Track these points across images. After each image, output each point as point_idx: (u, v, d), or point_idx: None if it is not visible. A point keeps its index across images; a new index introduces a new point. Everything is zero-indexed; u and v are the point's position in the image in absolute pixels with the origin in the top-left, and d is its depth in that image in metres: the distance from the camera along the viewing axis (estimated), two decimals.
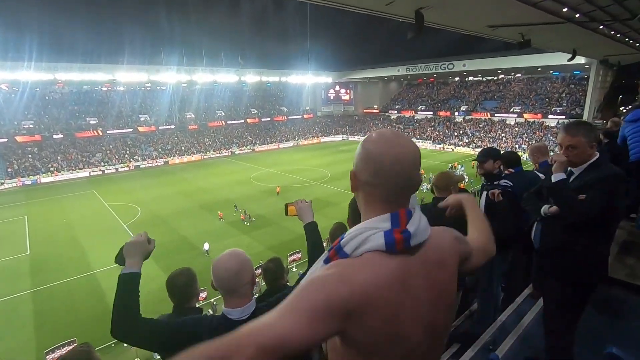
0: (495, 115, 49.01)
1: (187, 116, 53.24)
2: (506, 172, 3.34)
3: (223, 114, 56.45)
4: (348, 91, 65.65)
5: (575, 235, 2.15)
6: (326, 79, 62.71)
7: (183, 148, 47.73)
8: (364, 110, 65.14)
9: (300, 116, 63.59)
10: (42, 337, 12.48)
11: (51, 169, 37.99)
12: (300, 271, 14.56)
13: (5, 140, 38.80)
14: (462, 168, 32.25)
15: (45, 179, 36.49)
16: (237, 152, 50.20)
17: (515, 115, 46.73)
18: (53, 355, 11.05)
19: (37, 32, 54.88)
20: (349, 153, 45.94)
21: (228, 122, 55.34)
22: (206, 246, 18.12)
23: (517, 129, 45.31)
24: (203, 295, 12.59)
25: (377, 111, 63.97)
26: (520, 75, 51.06)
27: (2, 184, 34.32)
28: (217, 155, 48.52)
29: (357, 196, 0.93)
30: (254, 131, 56.16)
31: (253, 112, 59.47)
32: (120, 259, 1.49)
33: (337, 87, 65.16)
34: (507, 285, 3.73)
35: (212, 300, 13.26)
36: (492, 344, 2.82)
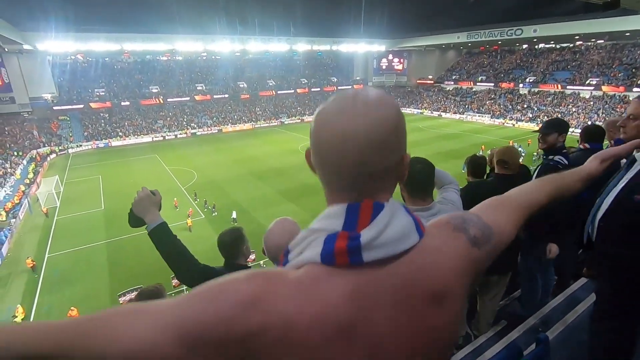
0: (568, 87, 44.09)
1: (240, 85, 54.59)
2: (581, 146, 3.03)
3: (273, 83, 57.05)
4: (402, 60, 62.59)
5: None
6: (379, 47, 60.14)
7: (235, 117, 49.40)
8: (418, 81, 62.00)
9: (350, 86, 62.19)
10: (115, 283, 14.21)
11: (120, 133, 41.56)
12: None
13: (81, 106, 42.93)
14: (520, 147, 29.62)
15: (115, 142, 40.09)
16: (286, 122, 50.91)
17: (592, 87, 41.68)
18: (124, 298, 12.62)
19: (105, 3, 58.37)
20: None
21: (278, 92, 55.94)
22: (234, 214, 19.03)
23: (592, 103, 40.57)
24: (252, 257, 13.41)
25: (432, 82, 60.57)
26: (602, 41, 44.99)
27: (80, 146, 38.37)
28: (267, 124, 49.61)
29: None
30: (303, 101, 56.29)
31: (303, 82, 59.34)
32: (134, 221, 1.48)
33: (390, 56, 62.34)
34: (559, 271, 3.53)
35: (261, 262, 14.09)
36: (542, 325, 2.74)
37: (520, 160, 3.10)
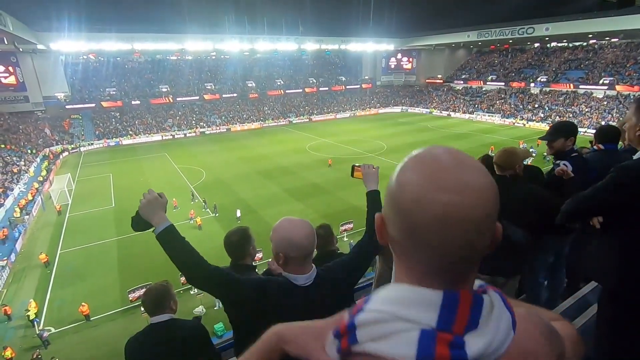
0: (580, 87, 43.30)
1: (248, 85, 54.82)
2: (595, 147, 2.94)
3: (282, 82, 57.15)
4: (410, 60, 62.14)
5: None
6: (387, 46, 59.76)
7: (244, 116, 49.63)
8: (427, 80, 61.50)
9: (358, 86, 62.07)
10: (125, 279, 14.44)
11: (130, 132, 42.08)
12: (352, 241, 14.83)
13: (93, 105, 43.61)
14: (531, 148, 29.24)
15: (125, 141, 40.61)
16: (294, 121, 50.96)
17: (606, 87, 40.85)
18: (133, 294, 12.80)
19: (117, 3, 59.15)
20: (408, 125, 44.31)
21: (286, 92, 56.02)
22: (238, 213, 19.13)
23: (605, 102, 39.77)
24: (259, 255, 13.47)
25: (441, 81, 60.02)
26: (616, 40, 44.04)
27: (92, 144, 38.98)
28: (276, 123, 49.74)
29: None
30: (312, 101, 56.29)
31: (311, 82, 59.32)
32: (139, 224, 1.45)
33: (399, 56, 61.93)
34: (570, 274, 3.47)
35: (269, 259, 14.15)
36: None
37: (530, 162, 3.04)
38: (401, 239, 0.51)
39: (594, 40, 46.35)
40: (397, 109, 58.14)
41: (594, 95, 41.71)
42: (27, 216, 20.41)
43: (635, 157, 1.66)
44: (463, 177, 0.47)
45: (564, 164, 2.63)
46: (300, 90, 57.27)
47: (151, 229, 1.44)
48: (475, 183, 0.47)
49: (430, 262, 0.50)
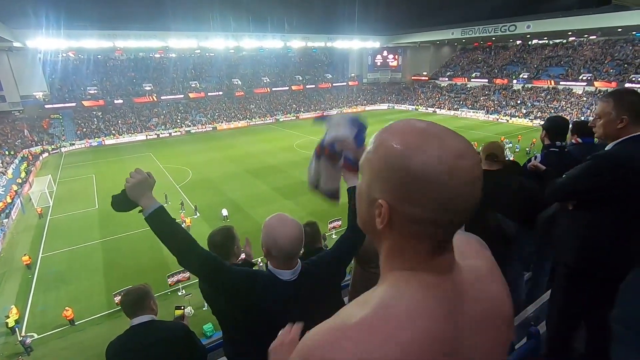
0: (561, 83, 44.41)
1: (234, 82, 54.25)
2: (573, 140, 3.05)
3: (268, 80, 56.76)
4: (396, 57, 62.55)
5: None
6: (373, 43, 60.04)
7: (230, 114, 49.13)
8: (412, 77, 62.03)
9: (345, 83, 62.17)
10: (110, 281, 14.14)
11: (113, 132, 41.15)
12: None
13: (74, 104, 42.41)
14: (510, 144, 29.53)
15: (108, 140, 39.71)
16: (281, 119, 50.74)
17: (585, 83, 42.00)
18: (119, 297, 12.56)
19: (98, 0, 57.69)
20: None
21: (273, 89, 55.67)
22: (224, 212, 19.07)
23: (585, 98, 40.90)
24: (242, 256, 13.37)
25: (427, 78, 60.62)
26: (595, 37, 45.27)
27: (73, 144, 37.97)
28: (262, 121, 49.42)
29: (382, 239, 0.60)
30: (299, 98, 56.11)
31: (298, 79, 59.12)
32: (122, 204, 1.37)
33: (385, 53, 62.27)
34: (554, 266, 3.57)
35: (258, 259, 14.09)
36: (533, 319, 2.77)
37: (512, 157, 3.14)
38: (428, 212, 0.52)
39: (573, 38, 47.52)
40: (384, 106, 58.51)
41: (574, 91, 42.84)
42: (6, 220, 19.77)
43: (607, 148, 1.79)
44: (463, 143, 0.56)
45: (535, 157, 2.75)
46: (287, 88, 57.00)
47: (137, 209, 1.36)
48: (469, 147, 0.56)
49: (448, 230, 0.56)
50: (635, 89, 1.81)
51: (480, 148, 3.15)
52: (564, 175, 1.92)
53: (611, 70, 40.90)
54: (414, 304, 0.54)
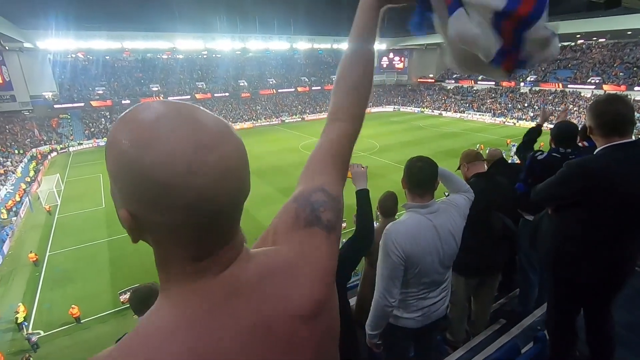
0: (569, 86, 44.00)
1: (240, 84, 54.53)
2: (579, 144, 3.04)
3: (274, 82, 56.96)
4: (402, 59, 62.44)
5: None
6: (379, 45, 59.93)
7: (236, 115, 49.38)
8: (418, 80, 61.85)
9: None
10: (116, 280, 14.25)
11: None
12: (344, 239, 14.83)
13: (82, 104, 42.90)
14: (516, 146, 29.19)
15: None
16: (287, 121, 50.86)
17: (593, 86, 41.53)
18: (124, 296, 12.65)
19: (106, 2, 58.38)
20: (400, 124, 44.52)
21: (279, 91, 55.86)
22: None
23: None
24: None
25: (433, 80, 60.42)
26: (603, 40, 44.81)
27: (81, 144, 38.39)
28: (268, 122, 49.56)
29: (153, 250, 0.51)
30: (304, 100, 56.23)
31: (304, 81, 59.26)
32: None
33: (391, 55, 62.20)
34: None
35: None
36: (540, 324, 2.75)
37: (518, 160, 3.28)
38: (178, 218, 0.44)
39: (582, 41, 47.09)
40: (390, 108, 58.38)
41: (582, 94, 42.42)
42: (15, 218, 20.04)
43: (595, 152, 1.83)
44: (208, 128, 0.46)
45: (540, 153, 2.80)
46: (293, 90, 57.15)
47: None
48: (216, 132, 0.46)
49: (214, 231, 0.49)
50: (618, 96, 1.80)
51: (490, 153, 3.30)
52: (543, 182, 1.98)
53: (620, 74, 40.43)
54: (168, 319, 0.46)
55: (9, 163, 28.78)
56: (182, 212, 0.43)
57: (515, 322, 2.86)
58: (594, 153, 1.79)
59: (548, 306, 2.23)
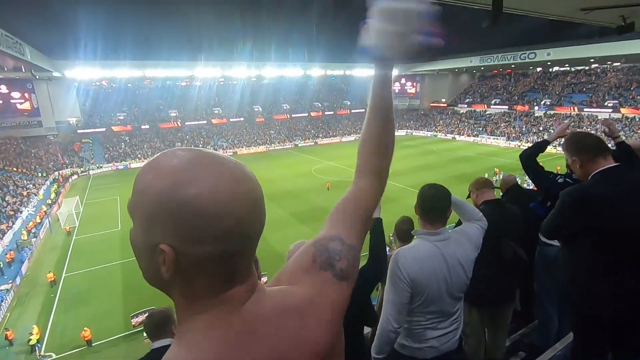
0: (585, 110, 43.49)
1: (255, 109, 55.94)
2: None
3: (288, 107, 58.25)
4: (414, 84, 63.25)
5: None
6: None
7: (250, 139, 50.38)
8: (431, 104, 62.28)
9: (363, 110, 62.65)
10: (128, 303, 14.26)
11: (139, 155, 42.79)
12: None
13: (104, 129, 44.70)
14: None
15: (134, 164, 41.20)
16: (300, 145, 51.51)
17: (610, 109, 40.98)
18: (136, 319, 12.61)
19: (131, 34, 61.75)
20: (413, 149, 44.47)
21: (292, 116, 57.01)
22: None
23: None
24: (264, 279, 13.29)
25: (445, 105, 60.71)
26: (618, 64, 44.53)
27: (101, 167, 39.62)
28: (281, 147, 50.28)
29: (172, 288, 0.52)
30: (317, 124, 57.10)
31: (317, 106, 60.40)
32: None
33: (403, 80, 63.12)
34: None
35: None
36: (562, 357, 2.62)
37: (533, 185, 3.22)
38: (216, 247, 0.49)
39: (596, 65, 46.91)
40: (402, 132, 58.60)
41: (599, 118, 41.77)
42: (35, 239, 20.53)
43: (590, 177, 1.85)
44: (237, 166, 0.52)
45: (557, 176, 2.84)
46: (306, 114, 58.24)
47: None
48: (244, 170, 0.53)
49: (237, 259, 0.52)
50: (583, 131, 1.96)
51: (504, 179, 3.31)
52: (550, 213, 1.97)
53: (638, 97, 39.85)
54: (194, 351, 0.48)
55: (32, 186, 29.82)
56: (226, 238, 0.48)
57: (535, 355, 2.73)
58: (589, 178, 1.82)
59: (573, 346, 2.14)
